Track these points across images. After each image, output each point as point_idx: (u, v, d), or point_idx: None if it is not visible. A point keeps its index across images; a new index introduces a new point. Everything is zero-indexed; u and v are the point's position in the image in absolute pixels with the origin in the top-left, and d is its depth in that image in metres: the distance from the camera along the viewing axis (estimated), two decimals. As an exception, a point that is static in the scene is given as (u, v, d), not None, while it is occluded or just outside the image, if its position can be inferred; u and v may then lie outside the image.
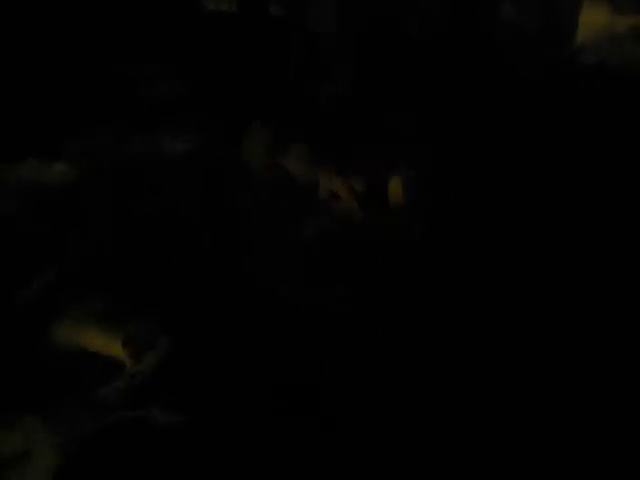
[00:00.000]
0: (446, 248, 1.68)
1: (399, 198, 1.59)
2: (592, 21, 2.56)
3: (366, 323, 1.64)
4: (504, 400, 1.46)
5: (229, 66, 2.68)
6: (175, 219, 2.08)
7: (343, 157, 1.43)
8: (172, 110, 2.59)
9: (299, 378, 1.53)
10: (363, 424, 1.46)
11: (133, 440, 1.45)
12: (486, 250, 1.88)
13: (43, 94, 2.61)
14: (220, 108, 2.53)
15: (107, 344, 1.67)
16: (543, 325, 1.65)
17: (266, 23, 2.64)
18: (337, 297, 1.59)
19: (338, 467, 1.39)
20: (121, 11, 2.84)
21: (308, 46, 2.33)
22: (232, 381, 1.54)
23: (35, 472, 1.41)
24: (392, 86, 1.73)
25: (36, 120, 2.49)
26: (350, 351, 1.61)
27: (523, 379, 1.52)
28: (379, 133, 1.48)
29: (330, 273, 1.61)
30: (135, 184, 2.26)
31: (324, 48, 2.06)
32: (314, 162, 1.37)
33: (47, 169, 2.33)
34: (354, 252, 1.62)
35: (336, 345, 1.62)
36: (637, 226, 1.94)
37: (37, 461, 1.42)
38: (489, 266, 1.84)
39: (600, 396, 1.45)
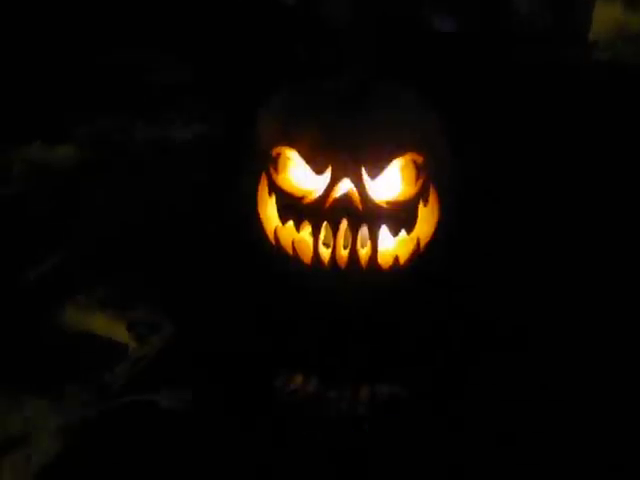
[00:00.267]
0: (460, 237, 1.67)
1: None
2: (605, 18, 2.55)
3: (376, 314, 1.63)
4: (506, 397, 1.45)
5: (236, 53, 2.66)
6: (181, 204, 2.07)
7: (356, 139, 1.40)
8: (179, 97, 2.59)
9: (305, 362, 1.51)
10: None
11: (137, 424, 1.43)
12: (500, 239, 1.87)
13: (50, 80, 2.61)
14: (227, 95, 2.52)
15: (111, 328, 1.66)
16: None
17: (275, 9, 2.63)
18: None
19: (340, 454, 1.37)
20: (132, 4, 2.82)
21: (318, 32, 2.31)
22: (238, 365, 1.53)
23: (37, 455, 1.39)
24: (406, 75, 1.71)
25: (41, 105, 2.49)
26: (361, 333, 1.60)
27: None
28: (394, 117, 1.45)
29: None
30: (141, 169, 2.25)
31: (338, 35, 2.04)
32: (327, 144, 1.35)
33: (54, 152, 2.32)
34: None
35: (346, 329, 1.60)
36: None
37: (39, 444, 1.41)
38: (502, 256, 1.83)
39: (600, 396, 1.43)
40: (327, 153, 1.48)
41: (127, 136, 2.45)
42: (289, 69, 2.40)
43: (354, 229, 1.52)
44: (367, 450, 1.42)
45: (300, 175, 1.55)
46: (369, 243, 1.55)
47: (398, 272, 1.57)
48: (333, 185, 1.49)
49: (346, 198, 1.49)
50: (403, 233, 1.55)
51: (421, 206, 1.55)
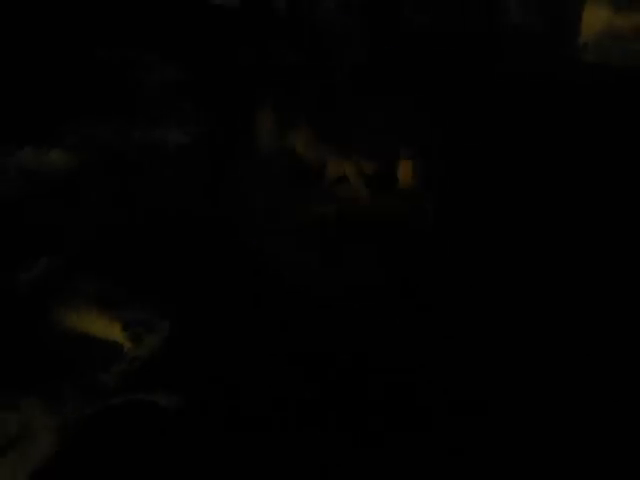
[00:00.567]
0: (457, 233, 1.68)
1: (409, 181, 1.59)
2: (595, 20, 2.57)
3: (376, 308, 1.64)
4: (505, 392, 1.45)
5: (231, 57, 2.67)
6: (177, 205, 2.07)
7: (352, 140, 1.41)
8: (173, 100, 2.59)
9: (302, 362, 1.52)
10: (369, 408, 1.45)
11: (133, 423, 1.43)
12: (496, 235, 1.88)
13: (42, 84, 2.60)
14: (222, 98, 2.52)
15: (107, 328, 1.66)
16: (551, 316, 1.64)
17: (269, 14, 2.64)
18: (345, 281, 1.58)
19: (339, 453, 1.38)
20: (124, 2, 2.83)
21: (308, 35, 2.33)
22: (233, 364, 1.53)
23: (34, 454, 1.39)
24: (400, 75, 1.72)
25: (35, 109, 2.48)
26: (357, 336, 1.61)
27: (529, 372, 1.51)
28: (389, 117, 1.46)
29: (338, 257, 1.60)
30: (134, 171, 2.25)
31: (332, 34, 2.05)
32: (322, 144, 1.36)
33: (46, 157, 2.32)
34: (362, 236, 1.61)
35: (343, 330, 1.61)
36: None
37: (36, 443, 1.40)
38: (498, 251, 1.84)
39: (600, 396, 1.44)
40: (322, 151, 1.49)
41: (119, 139, 2.45)
42: (280, 72, 2.41)
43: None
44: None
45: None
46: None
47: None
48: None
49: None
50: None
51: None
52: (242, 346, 1.60)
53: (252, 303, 1.71)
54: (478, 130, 2.23)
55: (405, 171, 1.55)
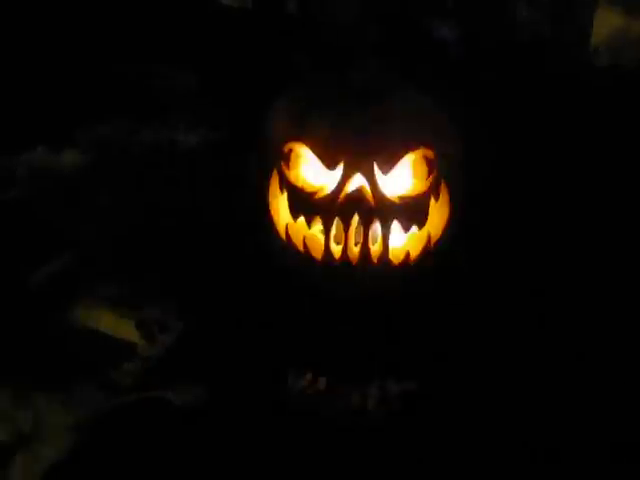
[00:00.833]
0: (469, 236, 1.68)
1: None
2: (607, 24, 2.57)
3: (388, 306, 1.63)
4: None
5: (243, 61, 2.68)
6: (190, 205, 2.07)
7: (367, 140, 1.41)
8: (183, 102, 2.60)
9: (317, 361, 1.51)
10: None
11: (146, 421, 1.43)
12: (508, 235, 1.88)
13: (56, 85, 2.62)
14: (232, 100, 2.53)
15: (120, 327, 1.65)
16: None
17: (282, 19, 2.65)
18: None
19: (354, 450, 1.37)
20: (137, 6, 2.84)
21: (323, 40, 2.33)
22: (248, 363, 1.52)
23: (48, 452, 1.38)
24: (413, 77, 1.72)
25: (48, 110, 2.50)
26: (370, 331, 1.60)
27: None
28: (403, 116, 1.46)
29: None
30: (148, 172, 2.25)
31: (342, 40, 2.06)
32: (337, 144, 1.36)
33: (59, 157, 2.32)
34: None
35: (356, 326, 1.60)
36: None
37: (50, 441, 1.40)
38: (512, 252, 1.83)
39: (600, 396, 1.44)
40: (339, 148, 1.49)
41: (132, 140, 2.45)
42: (292, 74, 2.42)
43: (366, 225, 1.52)
44: (378, 446, 1.42)
45: (312, 171, 1.55)
46: (380, 239, 1.55)
47: (409, 268, 1.58)
48: (345, 181, 1.50)
49: (358, 193, 1.49)
50: (414, 229, 1.56)
51: (432, 202, 1.55)
52: (256, 346, 1.60)
53: (267, 304, 1.70)
54: (491, 131, 2.23)
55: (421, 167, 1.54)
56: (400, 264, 1.57)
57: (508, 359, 1.58)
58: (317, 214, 1.44)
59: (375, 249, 1.56)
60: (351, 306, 1.64)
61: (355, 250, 1.56)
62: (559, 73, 2.53)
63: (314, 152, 1.49)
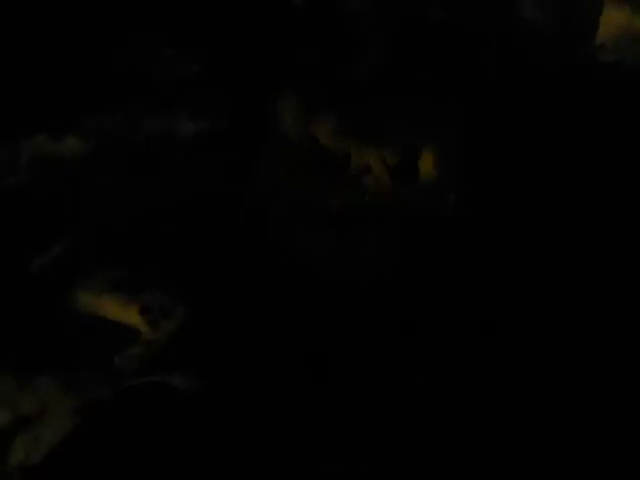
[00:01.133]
0: (479, 222, 1.67)
1: (431, 171, 1.58)
2: (612, 21, 2.57)
3: (394, 296, 1.62)
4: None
5: (245, 50, 2.66)
6: (195, 192, 2.06)
7: (375, 131, 1.41)
8: (186, 92, 2.58)
9: (319, 346, 1.50)
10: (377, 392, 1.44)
11: (148, 405, 1.42)
12: (518, 223, 1.87)
13: (58, 74, 2.60)
14: (236, 91, 2.51)
15: (124, 312, 1.65)
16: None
17: (283, 8, 2.63)
18: (365, 269, 1.57)
19: (350, 436, 1.36)
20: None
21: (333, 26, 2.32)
22: (250, 348, 1.52)
23: (49, 434, 1.37)
24: (420, 69, 1.72)
25: (50, 98, 2.48)
26: (375, 323, 1.59)
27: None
28: (412, 107, 1.45)
29: (360, 245, 1.59)
30: (151, 159, 2.24)
31: (356, 26, 2.05)
32: (347, 136, 1.35)
33: (60, 145, 2.31)
34: (385, 225, 1.60)
35: (360, 316, 1.60)
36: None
37: (52, 422, 1.39)
38: (518, 241, 1.83)
39: (600, 396, 1.44)
40: (347, 143, 1.48)
41: (133, 129, 2.44)
42: (305, 64, 2.40)
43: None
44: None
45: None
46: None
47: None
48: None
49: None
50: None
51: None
52: (258, 331, 1.59)
53: (270, 290, 1.69)
54: (496, 124, 2.22)
55: (427, 162, 1.54)
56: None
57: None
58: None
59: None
60: (351, 289, 1.64)
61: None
62: (564, 68, 2.53)
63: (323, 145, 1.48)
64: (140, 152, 2.27)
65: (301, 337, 1.56)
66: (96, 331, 1.64)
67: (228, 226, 1.89)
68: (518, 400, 1.42)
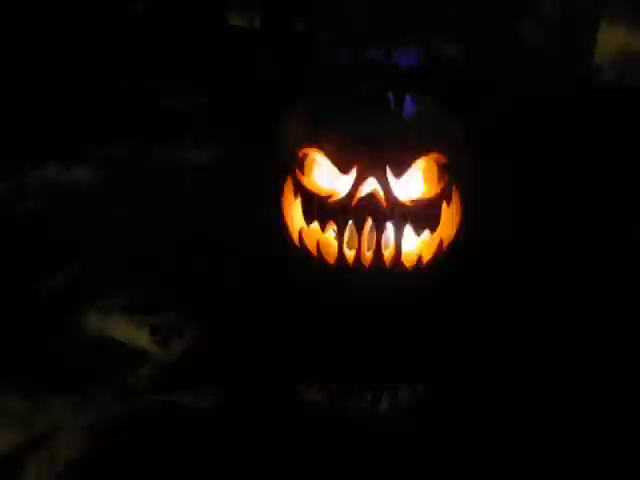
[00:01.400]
0: (482, 240, 1.70)
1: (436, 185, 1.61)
2: (610, 41, 2.62)
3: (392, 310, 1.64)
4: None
5: (250, 80, 2.72)
6: (201, 217, 2.09)
7: (379, 145, 1.44)
8: (193, 122, 2.63)
9: (326, 367, 1.52)
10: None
11: (159, 423, 1.43)
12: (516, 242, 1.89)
13: (66, 104, 2.66)
14: (241, 120, 2.56)
15: (134, 334, 1.67)
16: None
17: (289, 38, 2.69)
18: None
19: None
20: (146, 28, 2.89)
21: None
22: (261, 366, 1.53)
23: (63, 453, 1.39)
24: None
25: (58, 127, 2.53)
26: (382, 336, 1.61)
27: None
28: (414, 122, 1.49)
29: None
30: (158, 186, 2.28)
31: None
32: (350, 150, 1.38)
33: (69, 173, 2.36)
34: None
35: (370, 330, 1.61)
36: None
37: (65, 442, 1.40)
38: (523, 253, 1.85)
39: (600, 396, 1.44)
40: (352, 153, 1.51)
41: (142, 157, 2.48)
42: (302, 90, 2.45)
43: (378, 229, 1.54)
44: (392, 450, 1.42)
45: (325, 176, 1.58)
46: (393, 243, 1.57)
47: (421, 272, 1.59)
48: (358, 184, 1.52)
49: (371, 197, 1.52)
50: (427, 233, 1.58)
51: (444, 206, 1.57)
52: (268, 350, 1.61)
53: (279, 310, 1.71)
54: (500, 147, 2.27)
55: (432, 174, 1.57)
56: (413, 268, 1.58)
57: (520, 363, 1.59)
58: (331, 218, 1.46)
59: (388, 253, 1.58)
60: (364, 311, 1.66)
61: (368, 255, 1.58)
62: (563, 90, 2.57)
63: (328, 157, 1.51)
64: (150, 179, 2.32)
65: (312, 357, 1.58)
66: (108, 352, 1.65)
67: (234, 248, 1.93)
68: (517, 400, 1.42)
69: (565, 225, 2.07)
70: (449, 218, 1.59)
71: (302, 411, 1.48)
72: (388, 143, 1.52)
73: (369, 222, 1.53)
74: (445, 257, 1.61)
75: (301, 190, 1.58)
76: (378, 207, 1.52)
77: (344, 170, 1.53)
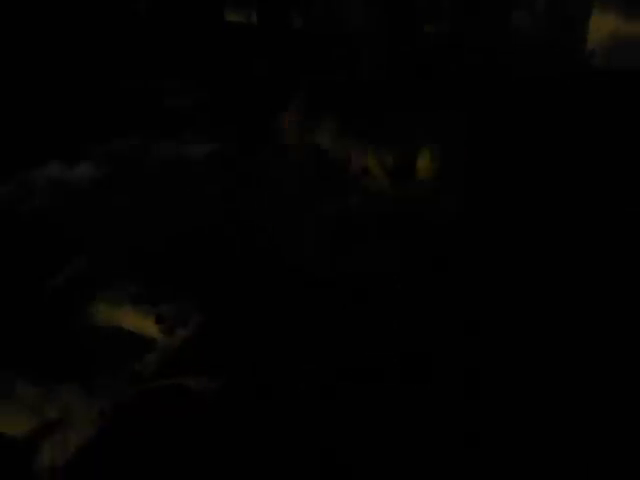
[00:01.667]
0: (479, 222, 1.72)
1: (428, 171, 1.64)
2: (602, 28, 2.63)
3: (393, 296, 1.68)
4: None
5: (250, 75, 2.74)
6: (202, 209, 2.13)
7: (373, 133, 1.48)
8: (194, 119, 2.65)
9: (323, 350, 1.56)
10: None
11: (166, 405, 1.47)
12: (518, 222, 1.92)
13: (69, 103, 2.68)
14: (240, 115, 2.59)
15: (141, 323, 1.71)
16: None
17: (286, 34, 2.71)
18: (365, 272, 1.63)
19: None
20: (148, 27, 2.91)
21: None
22: (262, 350, 1.57)
23: (74, 437, 1.43)
24: (415, 81, 1.79)
25: (62, 126, 2.56)
26: (373, 325, 1.65)
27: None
28: (408, 110, 1.53)
29: (359, 248, 1.65)
30: (160, 178, 2.31)
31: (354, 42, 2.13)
32: (345, 137, 1.42)
33: (73, 170, 2.39)
34: (385, 227, 1.66)
35: (360, 319, 1.65)
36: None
37: (76, 426, 1.45)
38: (521, 240, 1.87)
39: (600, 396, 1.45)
40: (346, 142, 1.56)
41: (143, 154, 2.52)
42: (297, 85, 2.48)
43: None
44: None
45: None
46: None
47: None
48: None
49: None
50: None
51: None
52: (268, 336, 1.65)
53: (277, 296, 1.75)
54: (493, 128, 2.28)
55: (424, 163, 1.61)
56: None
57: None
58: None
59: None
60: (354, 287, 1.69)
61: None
62: (556, 75, 2.59)
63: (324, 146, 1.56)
64: (150, 175, 2.34)
65: (310, 341, 1.62)
66: (116, 341, 1.70)
67: (235, 236, 1.96)
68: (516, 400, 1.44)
69: (553, 198, 2.07)
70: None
71: (299, 391, 1.52)
72: (383, 132, 1.56)
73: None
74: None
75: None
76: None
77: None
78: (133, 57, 2.95)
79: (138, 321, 1.73)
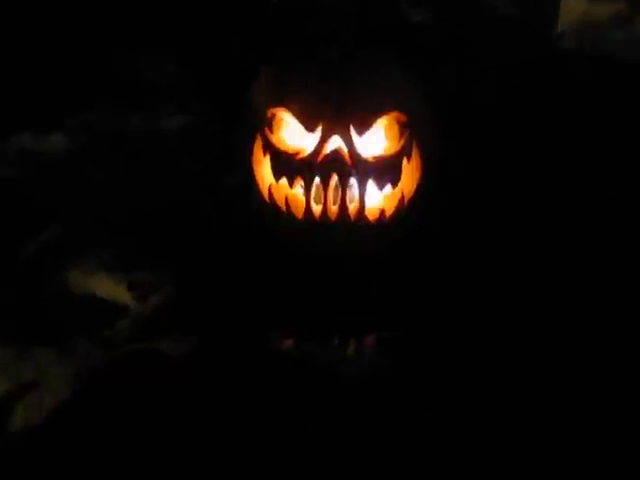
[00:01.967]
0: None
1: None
2: (572, 8, 2.66)
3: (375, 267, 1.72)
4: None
5: (219, 44, 2.74)
6: (178, 182, 2.15)
7: (343, 101, 1.51)
8: (170, 91, 2.66)
9: (296, 316, 1.60)
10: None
11: (140, 368, 1.51)
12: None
13: (43, 71, 2.67)
14: (212, 85, 2.59)
15: (113, 290, 1.73)
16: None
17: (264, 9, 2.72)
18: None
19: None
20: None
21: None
22: (238, 317, 1.61)
23: (48, 399, 1.46)
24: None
25: (35, 95, 2.55)
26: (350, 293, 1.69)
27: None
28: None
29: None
30: (134, 150, 2.32)
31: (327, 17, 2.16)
32: (318, 117, 1.46)
33: (45, 140, 2.39)
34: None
35: (337, 288, 1.69)
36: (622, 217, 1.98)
37: (50, 389, 1.48)
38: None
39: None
40: (317, 112, 1.60)
41: (116, 125, 2.53)
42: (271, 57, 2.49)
43: (343, 184, 1.63)
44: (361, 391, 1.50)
45: (293, 134, 1.66)
46: (357, 198, 1.66)
47: (384, 225, 1.68)
48: (323, 142, 1.61)
49: (336, 154, 1.61)
50: (388, 187, 1.67)
51: (405, 162, 1.67)
52: (243, 303, 1.69)
53: (251, 265, 1.79)
54: (462, 116, 2.32)
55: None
56: (376, 221, 1.68)
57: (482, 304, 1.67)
58: (298, 174, 1.54)
59: (352, 208, 1.67)
60: (331, 262, 1.74)
61: (333, 209, 1.67)
62: (525, 56, 2.62)
63: (295, 116, 1.59)
64: (126, 146, 2.36)
65: (284, 307, 1.66)
66: (88, 307, 1.73)
67: (212, 208, 1.99)
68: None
69: (525, 185, 2.12)
70: (410, 173, 1.68)
71: (272, 356, 1.56)
72: (351, 103, 1.60)
73: (334, 178, 1.62)
74: (407, 211, 1.70)
75: (270, 148, 1.66)
76: (342, 163, 1.61)
77: (310, 129, 1.62)
78: (111, 28, 2.94)
79: (111, 289, 1.76)
